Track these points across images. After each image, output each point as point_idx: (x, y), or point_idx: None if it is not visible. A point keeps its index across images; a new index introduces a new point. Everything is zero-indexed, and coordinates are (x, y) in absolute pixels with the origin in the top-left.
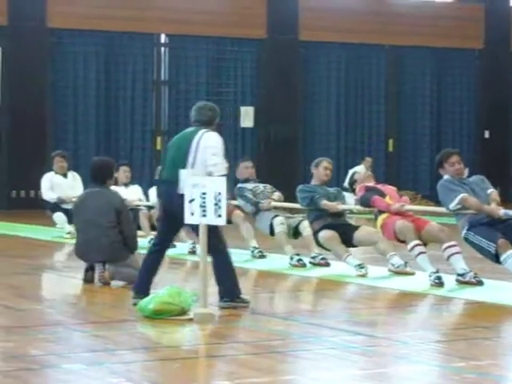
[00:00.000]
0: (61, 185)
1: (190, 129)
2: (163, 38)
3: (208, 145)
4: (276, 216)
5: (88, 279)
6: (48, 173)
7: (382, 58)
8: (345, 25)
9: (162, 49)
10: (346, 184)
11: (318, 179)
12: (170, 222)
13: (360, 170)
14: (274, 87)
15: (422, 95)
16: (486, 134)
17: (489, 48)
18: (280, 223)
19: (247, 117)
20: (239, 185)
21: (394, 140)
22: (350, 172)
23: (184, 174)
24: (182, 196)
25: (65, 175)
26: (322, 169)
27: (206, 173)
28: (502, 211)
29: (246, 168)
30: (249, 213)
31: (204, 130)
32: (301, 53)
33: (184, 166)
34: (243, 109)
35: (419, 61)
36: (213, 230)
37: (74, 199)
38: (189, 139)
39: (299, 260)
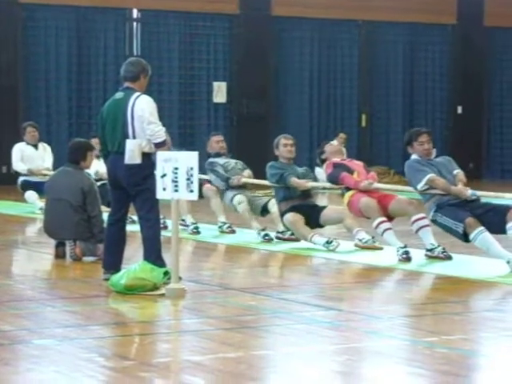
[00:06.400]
0: (31, 156)
1: (118, 94)
2: (135, 13)
3: (141, 114)
4: (235, 195)
5: (59, 255)
6: (19, 143)
7: (354, 33)
8: (317, 0)
9: (134, 24)
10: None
11: (283, 158)
12: (117, 193)
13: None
14: (247, 63)
15: (395, 71)
16: (459, 110)
17: (462, 23)
18: (239, 202)
19: (220, 92)
20: (210, 159)
21: (367, 115)
22: None
23: (130, 145)
24: (127, 166)
25: (35, 146)
26: (281, 147)
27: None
28: (469, 192)
29: (216, 142)
30: (219, 188)
31: (134, 96)
32: (273, 28)
33: (125, 137)
34: (216, 84)
35: (392, 36)
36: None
37: (43, 171)
38: (122, 108)
39: (265, 235)
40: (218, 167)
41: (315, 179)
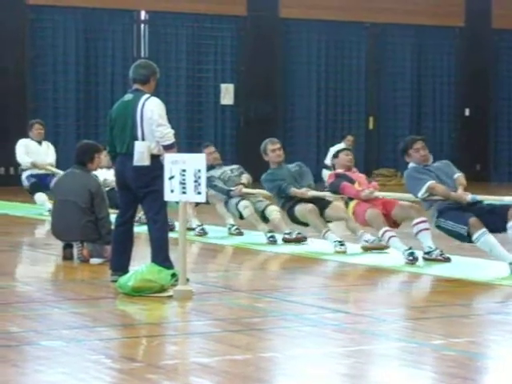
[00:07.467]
0: (36, 151)
1: (128, 96)
2: (143, 15)
3: (150, 116)
4: (240, 201)
5: (67, 256)
6: (23, 139)
7: (362, 35)
8: (325, 2)
9: (142, 25)
10: (326, 161)
11: (273, 163)
12: (125, 194)
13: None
14: (254, 64)
15: (403, 73)
16: (467, 112)
17: (469, 26)
18: (245, 207)
19: (227, 94)
20: (206, 174)
21: (374, 118)
22: (331, 149)
23: (139, 146)
24: (135, 168)
25: (39, 143)
26: (270, 152)
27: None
28: (469, 196)
29: (209, 154)
30: (221, 200)
31: (144, 98)
32: (281, 30)
33: (134, 139)
34: (223, 86)
35: (399, 38)
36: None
37: (47, 166)
38: (131, 110)
39: (270, 237)
40: (216, 181)
41: (320, 180)
